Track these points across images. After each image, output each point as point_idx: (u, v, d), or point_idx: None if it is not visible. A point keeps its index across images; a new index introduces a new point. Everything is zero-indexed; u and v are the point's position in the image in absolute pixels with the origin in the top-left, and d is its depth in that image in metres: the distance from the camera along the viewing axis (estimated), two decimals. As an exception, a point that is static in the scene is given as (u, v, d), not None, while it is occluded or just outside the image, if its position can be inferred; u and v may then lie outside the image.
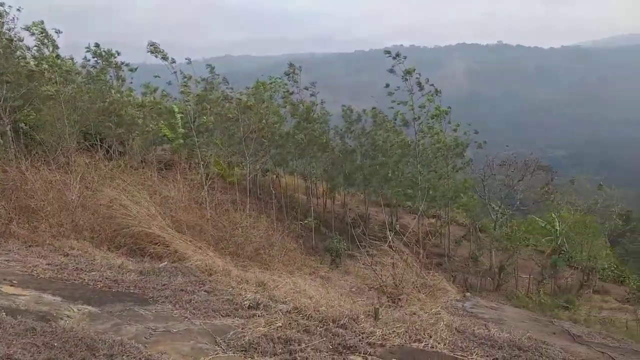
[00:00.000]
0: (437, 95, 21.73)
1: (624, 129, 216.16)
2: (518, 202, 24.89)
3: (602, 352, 7.40)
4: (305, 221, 22.88)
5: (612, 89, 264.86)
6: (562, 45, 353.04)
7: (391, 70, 21.15)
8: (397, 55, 21.11)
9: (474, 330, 6.79)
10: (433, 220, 31.22)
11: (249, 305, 6.20)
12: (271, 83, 24.03)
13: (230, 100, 20.95)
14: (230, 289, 7.06)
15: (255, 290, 7.05)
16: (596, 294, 23.54)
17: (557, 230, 24.71)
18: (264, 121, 20.97)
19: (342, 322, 5.55)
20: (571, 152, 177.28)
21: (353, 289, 12.54)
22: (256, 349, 4.77)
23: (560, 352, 6.53)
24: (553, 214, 26.09)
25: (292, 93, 24.48)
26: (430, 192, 23.09)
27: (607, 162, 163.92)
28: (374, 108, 24.86)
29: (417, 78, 21.17)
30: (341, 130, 25.76)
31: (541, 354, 5.90)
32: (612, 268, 24.49)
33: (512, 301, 18.09)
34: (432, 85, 21.75)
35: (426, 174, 23.43)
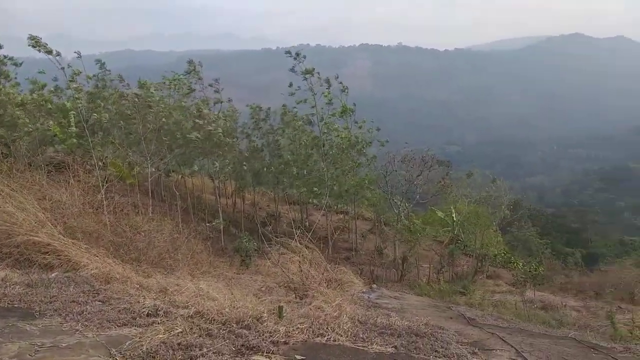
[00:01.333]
0: (344, 92, 22.28)
1: (510, 126, 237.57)
2: (418, 196, 26.29)
3: (492, 333, 8.02)
4: (214, 222, 22.34)
5: (500, 89, 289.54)
6: (455, 47, 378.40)
7: (292, 70, 21.39)
8: (297, 55, 21.36)
9: (376, 320, 7.05)
10: (341, 216, 32.09)
11: (148, 312, 5.91)
12: (173, 80, 23.13)
13: (126, 97, 19.82)
14: (128, 297, 6.68)
15: (155, 297, 6.74)
16: (489, 278, 25.60)
17: (454, 221, 26.47)
18: (163, 119, 20.09)
19: (245, 322, 5.48)
20: (465, 148, 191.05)
21: (262, 289, 12.45)
22: (154, 357, 4.56)
23: (454, 336, 6.98)
24: (450, 206, 27.91)
25: (193, 90, 23.79)
26: (336, 189, 23.66)
27: (497, 157, 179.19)
28: (284, 105, 24.93)
29: (318, 76, 21.55)
30: (248, 128, 25.51)
31: (436, 338, 6.26)
32: (503, 254, 26.72)
33: (415, 290, 19.09)
34: (341, 82, 22.29)
35: (333, 170, 23.96)
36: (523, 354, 6.35)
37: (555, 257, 34.17)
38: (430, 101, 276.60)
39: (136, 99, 19.24)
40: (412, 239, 22.75)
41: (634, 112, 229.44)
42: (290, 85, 22.34)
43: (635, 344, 10.56)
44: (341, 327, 5.74)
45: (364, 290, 14.52)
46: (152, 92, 19.98)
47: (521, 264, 22.38)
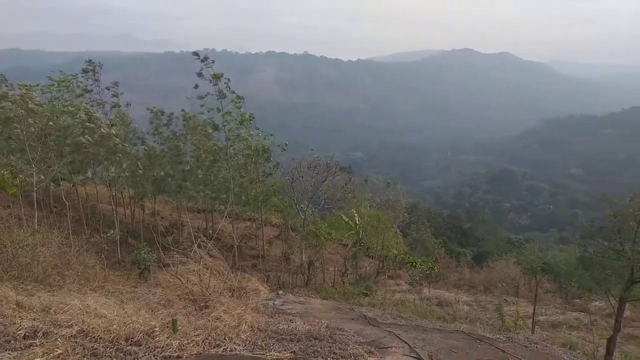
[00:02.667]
0: (240, 101, 21.98)
1: (408, 133, 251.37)
2: (323, 201, 26.80)
3: (389, 332, 8.35)
4: (109, 233, 20.92)
5: (398, 98, 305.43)
6: (358, 58, 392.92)
7: (200, 74, 20.66)
8: (206, 58, 20.71)
9: (277, 326, 7.03)
10: (248, 223, 31.69)
11: (25, 334, 5.37)
12: (62, 81, 21.41)
13: (7, 98, 17.98)
14: (2, 319, 6.02)
15: (34, 317, 6.14)
16: (390, 279, 26.74)
17: (357, 224, 27.30)
18: (50, 123, 18.48)
19: (135, 338, 5.19)
20: (368, 155, 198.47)
21: (161, 302, 11.91)
22: (29, 384, 4.14)
23: (353, 336, 7.18)
24: (354, 210, 28.75)
25: (89, 91, 22.21)
26: (243, 197, 23.35)
27: (396, 163, 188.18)
28: (183, 110, 23.99)
29: (225, 83, 21.10)
30: (147, 133, 24.30)
31: (335, 340, 6.39)
32: (403, 255, 28.03)
33: (321, 294, 19.34)
34: (234, 92, 21.92)
35: (239, 178, 23.61)
36: (416, 349, 6.67)
37: (450, 256, 36.49)
38: (335, 108, 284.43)
39: (19, 101, 17.51)
40: (318, 244, 23.08)
41: (514, 121, 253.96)
42: (196, 87, 21.51)
43: (517, 333, 11.61)
44: (239, 336, 5.65)
45: (270, 297, 14.45)
46: (32, 94, 18.27)
47: (419, 263, 23.63)
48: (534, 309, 16.10)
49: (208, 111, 22.26)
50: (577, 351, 12.19)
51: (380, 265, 26.17)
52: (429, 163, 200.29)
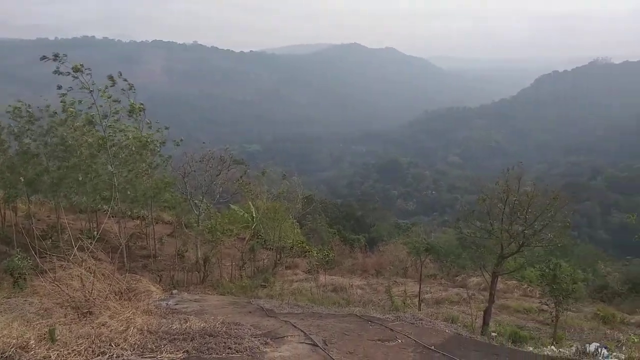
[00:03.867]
0: (131, 90, 20.63)
1: (302, 125, 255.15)
2: (218, 196, 26.24)
3: (286, 321, 8.48)
4: (-28, 241, 18.60)
5: (291, 90, 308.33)
6: (251, 50, 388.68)
7: (57, 72, 18.65)
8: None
9: (170, 327, 6.81)
10: (138, 222, 30.05)
11: None
12: None
13: None
14: None
15: None
16: (288, 269, 27.05)
17: (253, 217, 27.18)
18: None
19: (7, 353, 4.72)
20: (264, 146, 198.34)
21: (39, 312, 10.92)
22: None
23: (250, 329, 7.18)
24: (250, 203, 28.56)
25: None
26: (129, 193, 22.03)
27: (293, 155, 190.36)
28: (48, 106, 21.77)
29: (89, 74, 19.37)
30: (16, 129, 21.89)
31: (230, 335, 6.35)
32: (299, 245, 28.47)
33: (218, 290, 19.04)
34: (125, 80, 20.52)
35: (126, 174, 22.20)
36: (310, 335, 6.87)
37: (344, 243, 37.85)
38: (230, 100, 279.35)
39: None
40: (213, 239, 22.60)
41: (400, 112, 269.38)
42: (59, 87, 19.54)
43: (405, 312, 12.42)
44: (127, 341, 5.38)
45: (163, 297, 13.89)
46: None
47: (315, 252, 24.21)
48: (420, 288, 17.33)
49: (75, 102, 20.35)
50: (458, 324, 13.37)
51: (278, 256, 26.38)
52: (324, 154, 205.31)
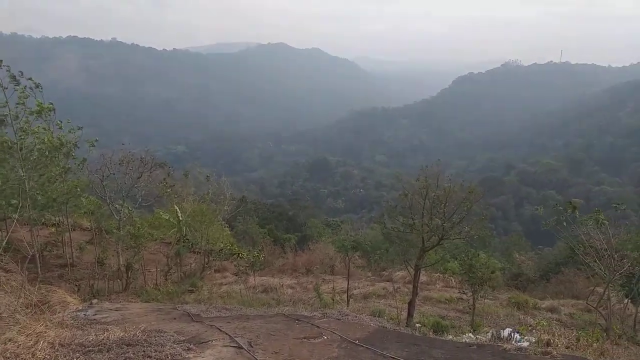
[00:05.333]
0: (38, 89, 19.19)
1: (230, 125, 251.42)
2: (140, 199, 25.17)
3: (211, 325, 8.30)
4: None
5: (218, 89, 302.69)
6: (174, 48, 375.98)
7: None
8: None
9: (85, 338, 6.44)
10: (53, 229, 28.13)
11: None
12: None
13: None
14: None
15: None
16: (217, 272, 26.51)
17: (179, 220, 26.34)
18: None
19: None
20: (191, 147, 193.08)
21: None
22: None
23: (172, 336, 6.96)
24: (176, 206, 27.65)
25: None
26: (40, 199, 20.54)
27: (221, 155, 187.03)
28: None
29: (7, 70, 18.00)
30: None
31: (150, 343, 6.12)
32: (228, 247, 27.99)
33: (142, 297, 18.28)
34: (30, 78, 19.05)
35: (37, 178, 20.64)
36: (236, 338, 6.78)
37: (276, 243, 37.75)
38: (153, 100, 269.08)
39: None
40: (136, 245, 21.64)
41: (327, 112, 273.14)
42: None
43: (333, 308, 12.60)
44: (36, 356, 5.02)
45: (81, 307, 13.13)
46: None
47: (245, 253, 23.91)
48: (348, 284, 17.67)
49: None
50: (384, 317, 13.78)
51: (206, 260, 25.78)
52: (253, 154, 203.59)
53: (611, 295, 14.47)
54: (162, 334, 6.93)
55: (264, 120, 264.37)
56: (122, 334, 6.80)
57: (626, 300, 15.47)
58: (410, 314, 13.33)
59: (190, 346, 6.24)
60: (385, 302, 17.33)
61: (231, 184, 41.86)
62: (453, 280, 21.39)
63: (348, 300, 16.59)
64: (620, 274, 13.47)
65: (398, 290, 19.37)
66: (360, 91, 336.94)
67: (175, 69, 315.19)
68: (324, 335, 7.26)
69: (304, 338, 7.03)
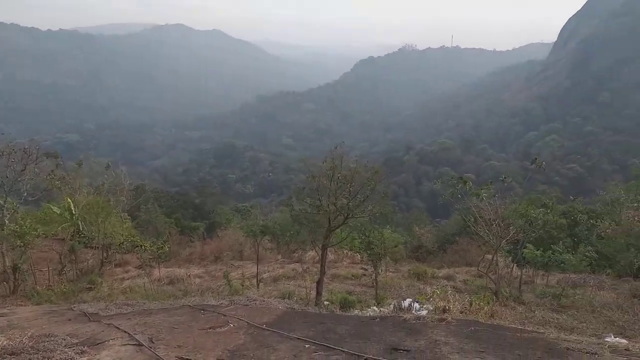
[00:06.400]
0: None
1: (128, 111, 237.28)
2: (26, 194, 22.95)
3: (109, 324, 7.80)
4: None
5: (110, 73, 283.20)
6: (60, 28, 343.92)
7: None
8: None
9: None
10: None
11: None
12: None
13: None
14: None
15: None
16: (118, 266, 25.08)
17: (73, 214, 24.46)
18: None
19: None
20: (85, 136, 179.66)
21: None
22: None
23: (64, 339, 6.44)
24: (69, 199, 25.61)
25: None
26: None
27: (119, 143, 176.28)
28: None
29: None
30: None
31: (38, 349, 5.62)
32: (130, 239, 26.55)
33: (33, 299, 16.81)
34: None
35: None
36: (135, 335, 6.43)
37: (183, 232, 36.49)
38: (38, 85, 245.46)
39: None
40: (23, 243, 19.73)
41: (232, 96, 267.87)
42: None
43: (242, 294, 12.46)
44: None
45: (-42, 318, 11.75)
46: None
47: (148, 245, 22.82)
48: (257, 269, 17.60)
49: None
50: (294, 298, 13.92)
51: (105, 254, 24.27)
52: (155, 142, 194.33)
53: (499, 260, 15.84)
54: (52, 339, 6.37)
55: (164, 106, 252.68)
56: (5, 342, 6.15)
57: (512, 265, 17.02)
58: (318, 293, 13.58)
59: (84, 348, 5.80)
60: (295, 283, 17.51)
61: (132, 173, 39.72)
62: (359, 257, 22.14)
63: (258, 285, 16.54)
64: (506, 240, 14.77)
65: (308, 270, 19.66)
66: (266, 75, 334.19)
67: (62, 51, 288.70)
68: (230, 323, 7.13)
69: (210, 328, 6.84)
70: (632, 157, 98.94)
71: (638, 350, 6.36)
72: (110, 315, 9.65)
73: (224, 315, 7.67)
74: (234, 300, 9.20)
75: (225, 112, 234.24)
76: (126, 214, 31.82)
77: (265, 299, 9.61)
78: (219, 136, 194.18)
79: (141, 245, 23.32)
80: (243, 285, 15.97)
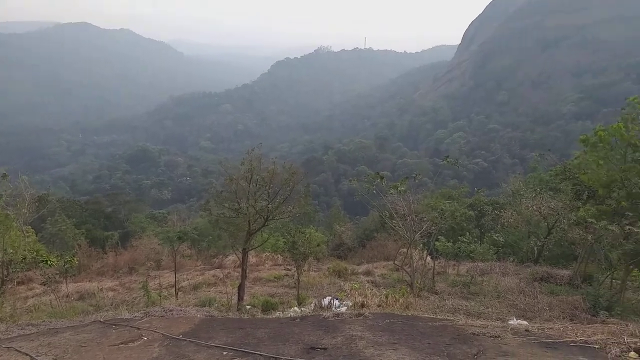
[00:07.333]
0: None
1: (25, 115, 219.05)
2: None
3: (8, 347, 7.15)
4: None
5: (7, 75, 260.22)
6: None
7: None
8: None
9: None
10: None
11: None
12: None
13: None
14: None
15: None
16: (21, 284, 23.08)
17: (-37, 232, 22.13)
18: None
19: None
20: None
21: None
22: None
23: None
24: (-43, 215, 23.12)
25: None
26: None
27: (18, 150, 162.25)
28: None
29: None
30: None
31: None
32: (33, 255, 24.49)
33: None
34: None
35: None
36: (38, 358, 5.97)
37: (95, 244, 34.37)
38: None
39: None
40: None
41: (144, 98, 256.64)
42: None
43: (159, 305, 11.97)
44: None
45: None
46: None
47: (54, 259, 21.23)
48: (175, 277, 17.02)
49: None
50: (214, 305, 13.62)
51: (5, 272, 22.20)
52: (60, 148, 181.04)
53: (414, 253, 16.58)
54: None
55: (69, 110, 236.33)
56: None
57: (426, 257, 17.89)
58: (240, 298, 13.41)
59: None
60: (216, 289, 17.15)
61: (35, 183, 36.70)
62: (280, 258, 22.15)
63: (177, 294, 16.00)
64: (420, 234, 15.49)
65: (229, 275, 19.34)
66: (179, 76, 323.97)
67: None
68: (144, 337, 6.81)
69: (121, 343, 6.49)
70: (530, 151, 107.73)
71: (536, 330, 6.94)
72: (12, 338, 8.85)
73: (138, 329, 7.32)
74: (148, 312, 8.80)
75: (138, 114, 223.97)
76: (29, 227, 29.41)
77: (183, 308, 9.30)
78: (132, 140, 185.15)
79: (46, 260, 21.66)
80: (161, 296, 15.37)
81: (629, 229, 11.57)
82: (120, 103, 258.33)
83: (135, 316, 8.62)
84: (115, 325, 7.80)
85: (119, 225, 47.66)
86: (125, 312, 10.24)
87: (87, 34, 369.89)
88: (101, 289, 18.65)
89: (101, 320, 8.70)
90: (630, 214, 12.46)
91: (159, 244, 23.20)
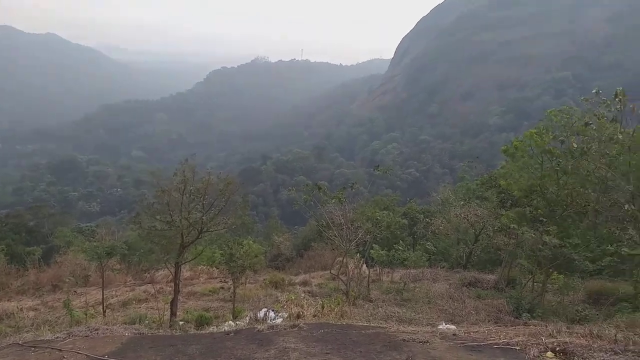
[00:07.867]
0: None
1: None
2: None
3: None
4: None
5: None
6: None
7: None
8: None
9: None
10: None
11: None
12: None
13: None
14: None
15: None
16: None
17: None
18: None
19: None
20: None
21: None
22: None
23: None
24: None
25: None
26: None
27: None
28: None
29: None
30: None
31: None
32: None
33: None
34: None
35: None
36: (-58, 389, 5.47)
37: (15, 260, 32.07)
38: None
39: None
40: None
41: (73, 106, 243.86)
42: None
43: (83, 324, 11.35)
44: None
45: None
46: None
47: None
48: (103, 294, 16.24)
49: None
50: (145, 322, 13.10)
51: None
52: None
53: (350, 262, 16.83)
54: None
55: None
56: None
57: (361, 265, 18.22)
58: (173, 313, 12.99)
59: None
60: (147, 305, 16.50)
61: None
62: (216, 271, 21.70)
63: (104, 312, 15.23)
64: (355, 242, 15.76)
65: (161, 290, 18.69)
66: (110, 83, 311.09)
67: None
68: (65, 358, 6.44)
69: (40, 367, 6.11)
70: (459, 161, 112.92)
71: (463, 334, 7.26)
72: None
73: (59, 350, 6.91)
74: (72, 332, 8.31)
75: (65, 123, 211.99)
76: None
77: (110, 327, 8.86)
78: (57, 150, 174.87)
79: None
80: (87, 314, 14.56)
81: (544, 238, 12.41)
82: (48, 111, 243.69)
83: (58, 337, 8.12)
84: (34, 347, 7.32)
85: (42, 240, 44.75)
86: (48, 333, 9.61)
87: (9, 39, 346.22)
88: (21, 309, 17.36)
89: (19, 342, 8.11)
90: (545, 219, 13.38)
91: (86, 260, 22.01)
